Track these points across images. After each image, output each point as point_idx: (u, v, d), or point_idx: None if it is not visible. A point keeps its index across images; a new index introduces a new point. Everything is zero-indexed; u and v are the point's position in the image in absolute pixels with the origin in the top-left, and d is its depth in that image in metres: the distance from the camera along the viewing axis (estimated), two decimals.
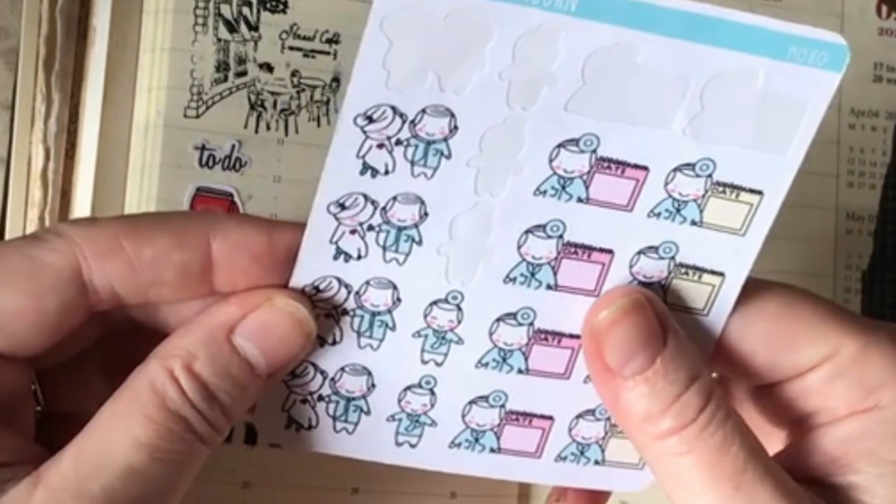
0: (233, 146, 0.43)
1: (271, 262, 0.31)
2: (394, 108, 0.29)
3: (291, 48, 0.44)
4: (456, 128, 0.30)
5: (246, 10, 0.44)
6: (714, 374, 0.33)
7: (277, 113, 0.44)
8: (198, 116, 0.43)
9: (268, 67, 0.44)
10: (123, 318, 0.33)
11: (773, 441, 0.35)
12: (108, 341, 0.33)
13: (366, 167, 0.30)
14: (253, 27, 0.44)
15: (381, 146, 0.30)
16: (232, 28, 0.43)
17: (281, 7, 0.44)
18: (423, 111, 0.29)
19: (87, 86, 0.43)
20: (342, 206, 0.30)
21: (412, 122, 0.29)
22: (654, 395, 0.30)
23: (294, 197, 0.43)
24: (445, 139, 0.30)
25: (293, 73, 0.44)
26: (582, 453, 0.35)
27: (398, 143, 0.30)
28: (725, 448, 0.30)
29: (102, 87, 0.43)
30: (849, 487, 0.32)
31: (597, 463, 0.35)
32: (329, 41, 0.44)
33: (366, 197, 0.30)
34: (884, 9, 0.51)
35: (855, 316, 0.33)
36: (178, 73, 0.43)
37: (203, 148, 0.43)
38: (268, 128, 0.44)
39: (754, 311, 0.33)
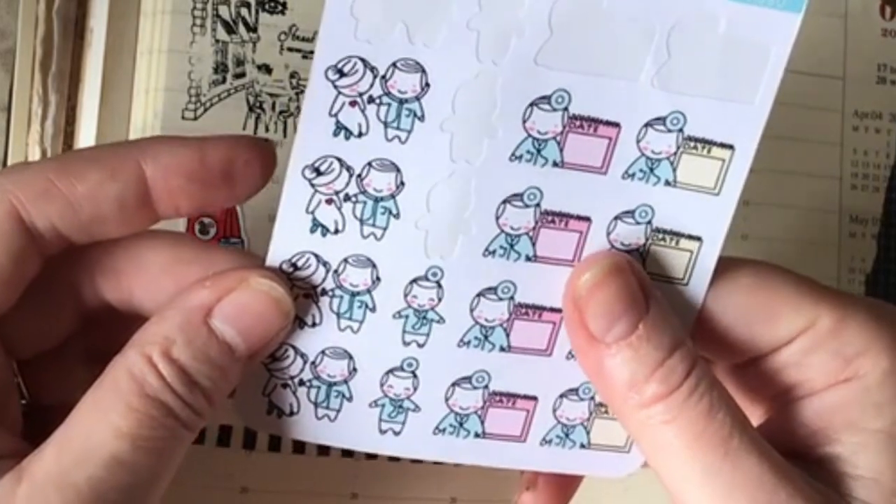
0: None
1: (207, 178, 0.31)
2: (364, 61, 0.29)
3: (290, 49, 0.44)
4: (428, 85, 0.30)
5: (244, 12, 0.43)
6: None
7: (276, 115, 0.44)
8: (196, 118, 0.43)
9: (266, 69, 0.44)
10: (102, 306, 0.32)
11: (754, 417, 0.34)
12: (88, 331, 0.33)
13: (339, 127, 0.30)
14: (251, 28, 0.44)
15: (353, 104, 0.30)
16: (230, 29, 0.43)
17: (279, 8, 0.44)
18: (394, 65, 0.29)
19: (84, 87, 0.43)
20: (317, 171, 0.30)
21: (383, 77, 0.29)
22: (639, 361, 0.30)
23: None
24: (418, 97, 0.30)
25: (292, 75, 0.44)
26: (567, 436, 0.34)
27: (370, 100, 0.30)
28: (712, 415, 0.30)
29: (100, 88, 0.43)
30: (831, 459, 0.32)
31: (582, 446, 0.34)
32: None
33: (340, 162, 0.30)
34: (887, 10, 0.51)
35: (831, 289, 0.33)
36: (176, 75, 0.42)
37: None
38: (266, 129, 0.44)
39: (729, 286, 0.32)
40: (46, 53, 0.43)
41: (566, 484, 0.37)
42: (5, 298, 0.30)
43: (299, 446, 0.43)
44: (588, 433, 0.34)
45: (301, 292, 0.32)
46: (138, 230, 0.31)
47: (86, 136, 0.43)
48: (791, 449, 0.32)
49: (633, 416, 0.31)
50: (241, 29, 0.43)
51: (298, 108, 0.44)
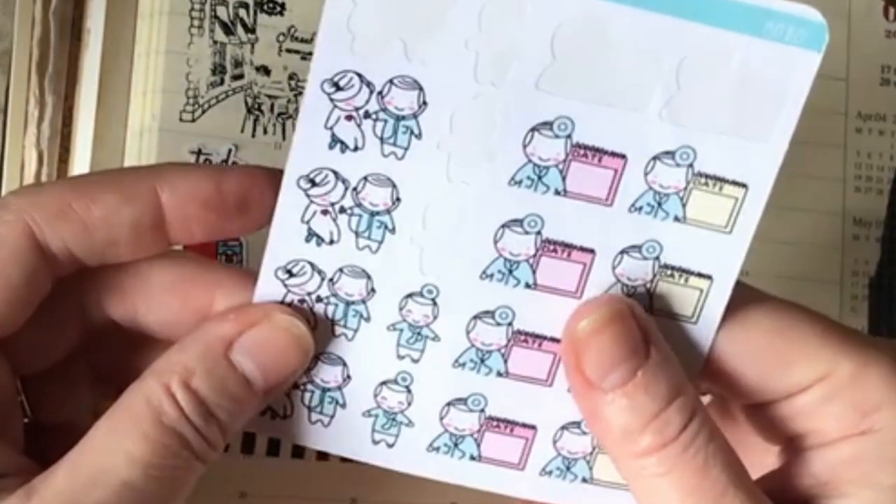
0: (229, 150, 0.43)
1: (222, 208, 0.31)
2: (360, 76, 0.29)
3: (289, 51, 0.44)
4: (425, 103, 0.29)
5: (242, 12, 0.43)
6: (706, 395, 0.32)
7: (275, 116, 0.43)
8: (193, 120, 0.42)
9: (265, 70, 0.43)
10: (106, 324, 0.32)
11: (763, 460, 0.34)
12: (93, 350, 0.33)
13: (335, 140, 0.30)
14: (250, 29, 0.43)
15: (349, 118, 0.29)
16: (228, 30, 0.43)
17: (278, 9, 0.44)
18: (391, 82, 0.29)
19: (81, 89, 0.43)
20: (312, 182, 0.30)
21: (380, 93, 0.29)
22: (634, 410, 0.30)
23: None
24: (415, 115, 0.29)
25: (291, 76, 0.44)
26: (568, 469, 0.34)
27: (367, 115, 0.29)
28: (706, 471, 0.29)
29: (97, 90, 0.42)
30: None
31: (584, 481, 0.34)
32: None
33: (336, 174, 0.30)
34: (891, 11, 0.51)
35: (852, 333, 0.32)
36: (174, 77, 0.42)
37: (199, 152, 0.42)
38: (265, 132, 0.43)
39: (744, 325, 0.32)
40: (43, 55, 0.43)
41: None
42: (16, 318, 0.30)
43: (298, 451, 0.43)
44: (591, 468, 0.34)
45: (295, 298, 0.31)
46: (150, 255, 0.31)
47: (82, 138, 0.43)
48: (797, 498, 0.32)
49: (627, 464, 0.30)
50: (240, 30, 0.43)
51: (297, 110, 0.44)
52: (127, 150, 0.43)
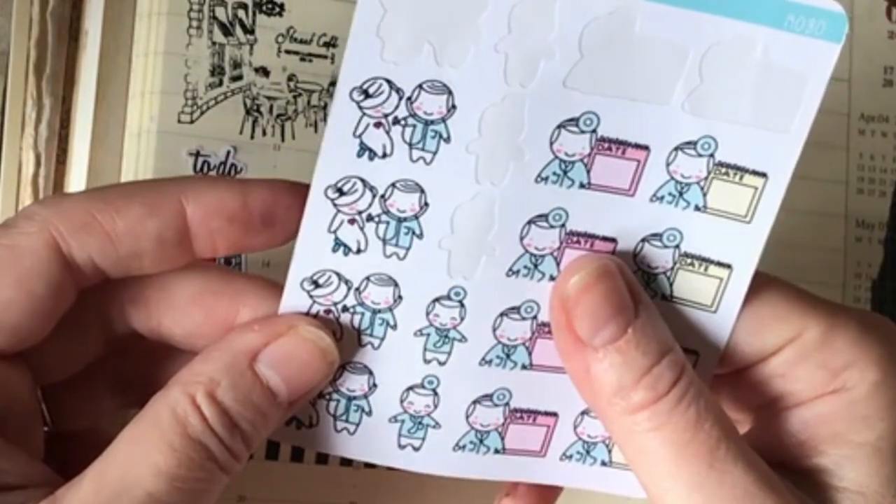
0: (228, 152, 0.42)
1: (248, 222, 0.31)
2: (390, 83, 0.29)
3: (288, 52, 0.43)
4: (454, 107, 0.29)
5: (241, 13, 0.43)
6: None
7: (273, 118, 0.43)
8: (192, 122, 0.42)
9: (264, 71, 0.43)
10: (129, 335, 0.32)
11: (741, 426, 0.34)
12: (115, 359, 0.33)
13: (363, 148, 0.30)
14: (248, 30, 0.43)
15: (378, 125, 0.29)
16: (227, 31, 0.43)
17: (277, 10, 0.43)
18: (420, 87, 0.29)
19: (79, 90, 0.43)
20: (340, 192, 0.30)
21: (409, 98, 0.29)
22: (626, 366, 0.30)
23: None
24: (444, 119, 0.30)
25: (290, 78, 0.43)
26: (588, 452, 0.34)
27: (396, 121, 0.29)
28: (699, 425, 0.30)
29: (94, 91, 0.42)
30: (816, 471, 0.32)
31: (604, 464, 0.34)
32: (326, 44, 0.44)
33: (364, 182, 0.30)
34: (894, 12, 0.50)
35: (821, 299, 0.33)
36: (172, 78, 0.42)
37: (197, 154, 0.42)
38: (264, 133, 0.43)
39: None
40: (40, 56, 0.42)
41: (545, 494, 0.37)
42: (40, 330, 0.30)
43: (297, 454, 0.42)
44: (609, 451, 0.34)
45: (322, 308, 0.32)
46: (173, 267, 0.32)
47: (80, 139, 0.42)
48: (777, 459, 0.32)
49: (619, 422, 0.30)
50: (238, 31, 0.43)
51: (296, 111, 0.43)
52: (125, 151, 0.42)
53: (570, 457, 0.34)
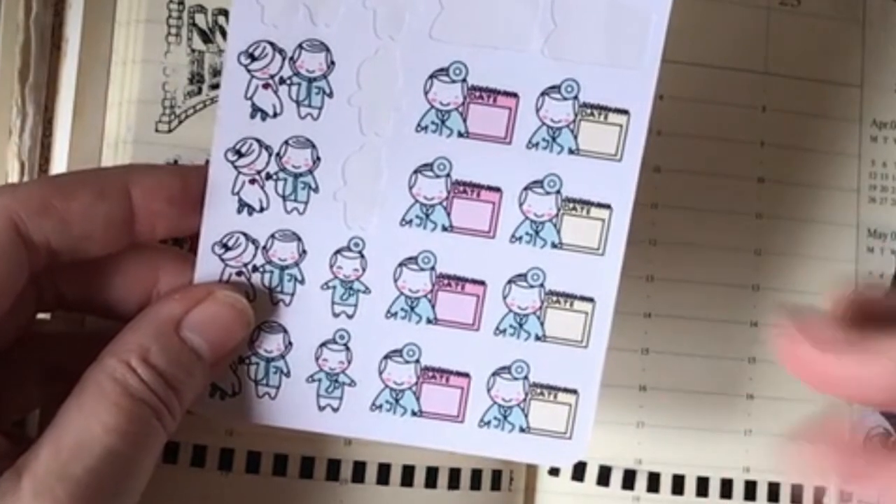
0: (207, 162, 0.42)
1: (187, 204, 0.34)
2: (272, 45, 0.32)
3: None
4: (333, 63, 0.32)
5: (221, 20, 0.42)
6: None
7: None
8: (170, 131, 0.42)
9: None
10: (53, 303, 0.35)
11: None
12: (41, 350, 0.36)
13: (255, 109, 0.33)
14: None
15: (266, 86, 0.32)
16: (207, 38, 0.42)
17: None
18: (301, 46, 0.32)
19: (60, 99, 0.42)
20: (239, 153, 0.33)
21: (291, 58, 0.32)
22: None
23: None
24: (325, 76, 0.32)
25: None
26: (505, 418, 0.35)
27: (282, 81, 0.32)
28: None
29: (73, 100, 0.42)
30: None
31: (522, 430, 0.35)
32: None
33: (259, 142, 0.33)
34: None
35: None
36: (150, 86, 0.41)
37: (176, 164, 0.42)
38: None
39: None
40: (25, 63, 0.42)
41: None
42: None
43: (280, 468, 0.42)
44: (526, 416, 0.34)
45: (234, 271, 0.34)
46: (115, 250, 0.34)
47: (60, 149, 0.42)
48: None
49: None
50: (219, 38, 0.42)
51: None
52: (103, 161, 0.42)
53: (489, 423, 0.34)
